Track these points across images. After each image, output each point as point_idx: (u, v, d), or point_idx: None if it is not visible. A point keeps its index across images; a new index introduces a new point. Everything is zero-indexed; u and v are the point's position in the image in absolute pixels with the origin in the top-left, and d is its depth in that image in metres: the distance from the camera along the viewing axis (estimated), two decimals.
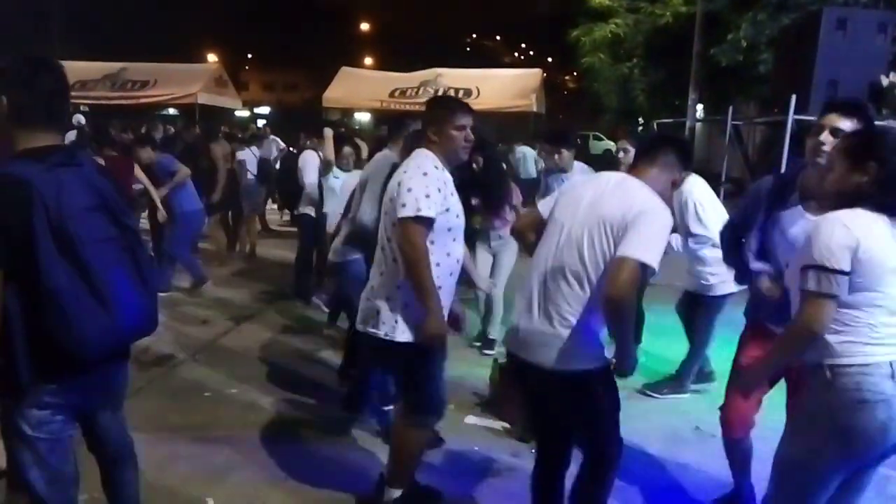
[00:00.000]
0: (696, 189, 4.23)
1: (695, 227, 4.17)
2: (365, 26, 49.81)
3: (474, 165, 4.82)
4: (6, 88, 1.98)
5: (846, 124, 2.49)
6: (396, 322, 2.78)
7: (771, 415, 2.92)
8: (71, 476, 2.19)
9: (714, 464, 3.63)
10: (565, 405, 2.54)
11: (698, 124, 14.37)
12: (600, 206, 2.39)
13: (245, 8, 43.76)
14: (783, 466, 2.25)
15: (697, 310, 4.44)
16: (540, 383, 2.52)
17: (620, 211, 2.33)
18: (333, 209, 5.23)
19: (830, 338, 2.07)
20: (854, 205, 2.09)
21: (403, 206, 2.66)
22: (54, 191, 1.91)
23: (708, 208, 4.18)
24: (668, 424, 4.17)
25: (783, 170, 7.37)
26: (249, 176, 8.87)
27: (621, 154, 5.45)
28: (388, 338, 2.79)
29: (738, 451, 3.03)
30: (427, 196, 2.66)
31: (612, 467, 2.57)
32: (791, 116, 7.41)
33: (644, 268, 2.25)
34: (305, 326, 5.96)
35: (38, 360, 1.93)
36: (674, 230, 4.20)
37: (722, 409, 3.03)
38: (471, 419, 4.12)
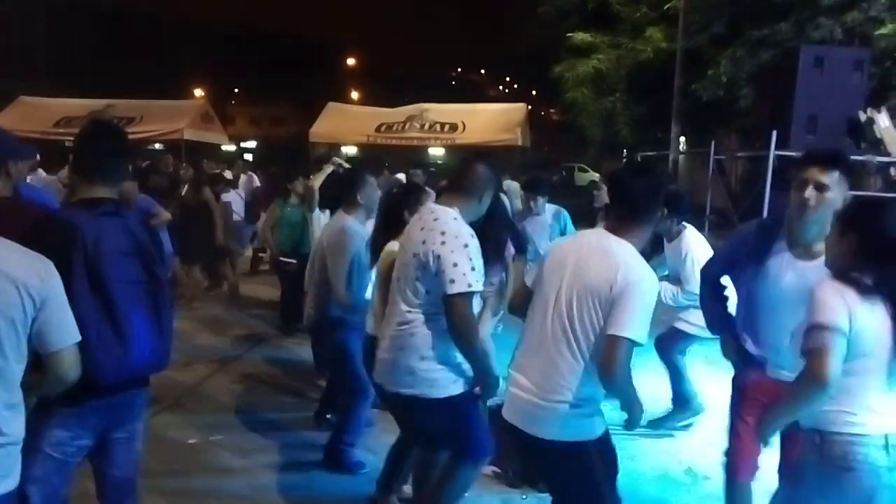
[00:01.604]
0: (694, 245, 4.34)
1: (691, 285, 4.20)
2: (351, 61, 50.34)
3: None
4: (75, 145, 2.41)
5: (827, 177, 2.53)
6: (434, 380, 2.74)
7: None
8: (63, 499, 2.35)
9: None
10: (560, 474, 2.51)
11: (681, 157, 14.54)
12: (584, 274, 2.35)
13: (232, 43, 44.14)
14: None
15: (675, 338, 4.55)
16: (536, 453, 2.50)
17: (606, 281, 2.29)
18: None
19: (824, 405, 2.12)
20: (845, 272, 2.17)
21: (452, 282, 2.62)
22: (94, 235, 2.21)
23: (705, 256, 4.20)
24: (660, 466, 4.12)
25: (766, 202, 7.52)
26: (236, 217, 8.84)
27: (596, 192, 5.77)
28: (426, 397, 2.75)
29: (738, 496, 2.98)
30: (473, 269, 2.66)
31: None
32: (773, 152, 7.51)
33: (633, 343, 2.25)
34: (290, 369, 5.88)
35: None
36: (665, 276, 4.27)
37: (726, 453, 2.99)
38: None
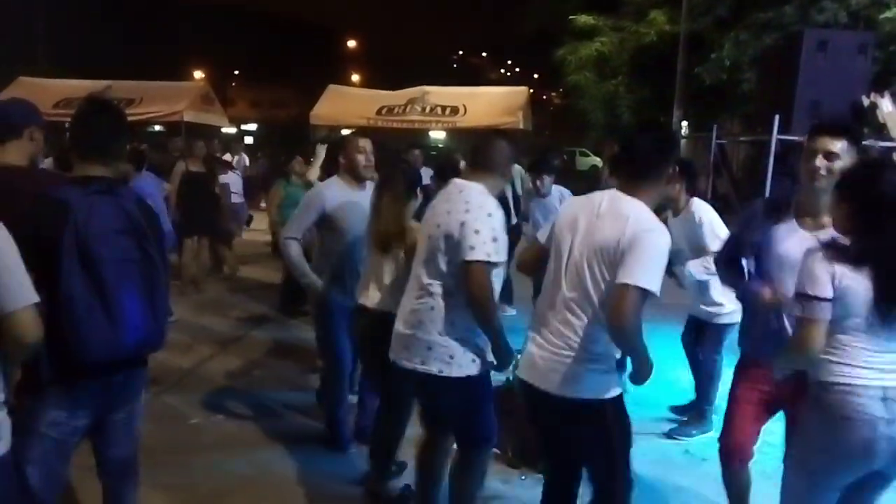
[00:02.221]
0: (707, 209, 4.25)
1: (714, 245, 4.14)
2: (352, 44, 50.01)
3: None
4: (71, 123, 2.39)
5: (836, 146, 2.57)
6: (452, 357, 2.72)
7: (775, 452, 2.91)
8: (61, 480, 2.39)
9: (707, 488, 3.63)
10: (574, 435, 2.52)
11: (683, 141, 14.47)
12: (595, 232, 2.37)
13: (232, 25, 43.85)
14: (784, 485, 2.40)
15: (703, 338, 4.37)
16: (551, 412, 2.51)
17: (615, 235, 2.30)
18: None
19: (823, 357, 2.21)
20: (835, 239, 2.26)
21: (472, 248, 2.61)
22: (86, 213, 2.20)
23: (720, 224, 4.17)
24: (658, 448, 4.15)
25: (768, 188, 7.50)
26: (235, 199, 8.86)
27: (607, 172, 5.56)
28: (442, 374, 2.73)
29: (735, 482, 2.99)
30: (494, 240, 2.64)
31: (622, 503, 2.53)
32: (775, 136, 7.48)
33: (645, 293, 2.22)
34: (290, 350, 5.91)
35: (56, 361, 2.14)
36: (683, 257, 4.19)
37: (720, 438, 3.00)
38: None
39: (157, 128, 16.24)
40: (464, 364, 2.73)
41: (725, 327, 4.26)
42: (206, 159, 8.27)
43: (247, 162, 11.29)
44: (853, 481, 2.26)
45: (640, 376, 2.42)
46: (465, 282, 2.64)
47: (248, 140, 28.88)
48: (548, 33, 17.71)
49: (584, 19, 14.99)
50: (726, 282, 3.13)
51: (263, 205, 11.10)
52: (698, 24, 12.65)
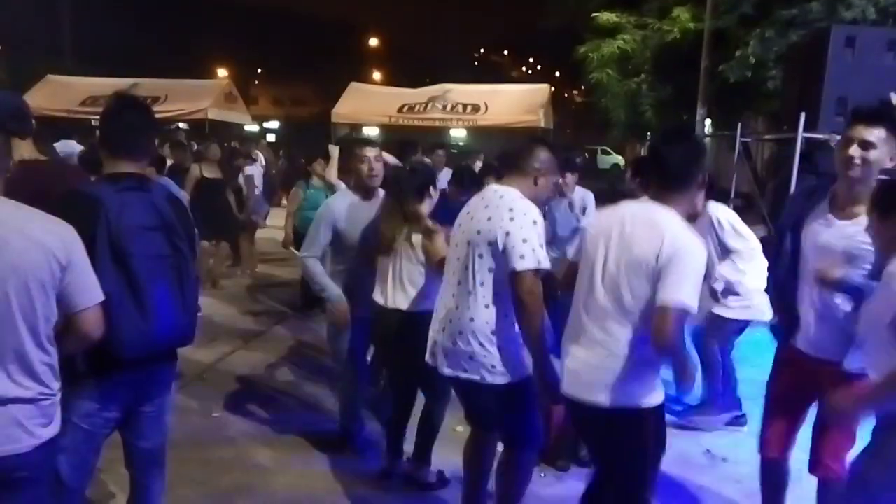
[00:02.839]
0: (722, 209, 4.23)
1: (735, 242, 4.11)
2: (374, 42, 50.17)
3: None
4: (100, 120, 2.43)
5: (873, 134, 2.50)
6: (494, 367, 2.71)
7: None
8: (91, 469, 2.46)
9: (728, 489, 3.61)
10: (613, 443, 2.51)
11: (707, 139, 14.32)
12: (631, 243, 2.36)
13: (255, 23, 44.19)
14: (861, 496, 2.26)
15: (711, 328, 4.34)
16: (593, 420, 2.50)
17: (652, 249, 2.30)
18: None
19: None
20: None
21: (522, 257, 2.59)
22: (118, 210, 2.23)
23: (740, 222, 4.16)
24: (678, 448, 4.10)
25: (793, 186, 7.40)
26: (257, 191, 8.92)
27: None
28: (486, 382, 2.73)
29: (774, 474, 2.93)
30: (541, 246, 2.64)
31: None
32: (801, 134, 7.37)
33: (685, 310, 2.25)
34: (312, 345, 5.95)
35: (90, 355, 2.19)
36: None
37: (762, 432, 2.95)
38: (461, 428, 4.07)
39: (182, 125, 16.40)
40: (507, 371, 2.72)
41: (727, 321, 4.25)
42: (220, 163, 8.33)
43: (263, 162, 11.10)
44: None
45: (685, 387, 2.43)
46: (515, 291, 2.63)
47: (271, 137, 29.09)
48: (570, 31, 17.61)
49: (606, 17, 14.88)
50: (776, 303, 2.98)
51: (285, 202, 11.19)
52: (723, 22, 12.49)
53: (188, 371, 5.00)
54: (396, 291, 3.41)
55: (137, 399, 2.43)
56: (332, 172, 5.49)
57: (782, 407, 2.85)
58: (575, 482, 3.68)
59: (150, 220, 2.32)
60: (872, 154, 2.49)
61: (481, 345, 2.71)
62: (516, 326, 2.71)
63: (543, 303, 2.67)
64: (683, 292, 2.24)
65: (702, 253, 2.33)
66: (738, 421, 4.39)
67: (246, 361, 5.52)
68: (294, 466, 3.79)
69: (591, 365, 2.41)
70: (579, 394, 2.46)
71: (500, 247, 2.64)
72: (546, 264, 2.64)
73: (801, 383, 2.77)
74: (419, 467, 3.57)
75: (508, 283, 2.65)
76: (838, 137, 7.75)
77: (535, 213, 2.69)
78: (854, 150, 2.51)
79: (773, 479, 2.95)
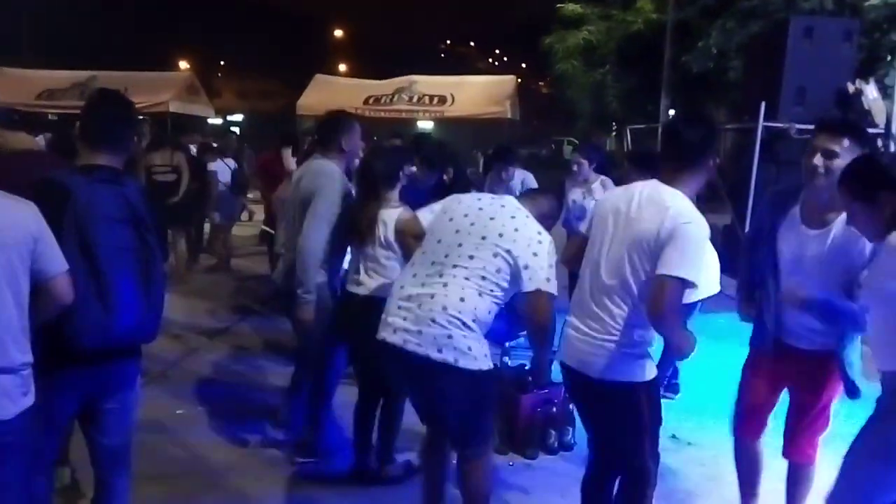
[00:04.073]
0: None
1: None
2: (339, 33, 49.71)
3: (445, 178, 4.81)
4: (83, 112, 2.48)
5: (837, 144, 2.57)
6: (469, 349, 2.64)
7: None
8: (49, 456, 2.46)
9: (694, 472, 3.67)
10: (609, 414, 2.57)
11: None
12: (636, 222, 2.41)
13: (217, 14, 43.45)
14: (855, 469, 2.30)
15: None
16: (588, 393, 2.58)
17: (654, 225, 2.34)
18: None
19: None
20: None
21: (531, 279, 2.64)
22: (87, 200, 2.25)
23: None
24: None
25: (754, 175, 7.53)
26: (221, 187, 8.73)
27: (575, 167, 5.62)
28: (458, 365, 2.63)
29: (749, 455, 3.01)
30: (551, 266, 2.68)
31: (651, 483, 2.61)
32: (761, 123, 7.49)
33: (684, 283, 2.28)
34: (277, 340, 5.88)
35: (47, 344, 2.18)
36: None
37: (737, 415, 3.01)
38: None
39: (141, 118, 16.08)
40: (479, 358, 2.67)
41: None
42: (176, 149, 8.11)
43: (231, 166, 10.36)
44: None
45: (682, 351, 2.49)
46: (530, 309, 2.67)
47: (235, 130, 28.65)
48: (536, 22, 17.69)
49: (571, 7, 15.00)
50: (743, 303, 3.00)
51: (251, 196, 10.97)
52: (685, 13, 12.68)
53: (152, 368, 4.91)
54: (370, 278, 3.38)
55: (98, 394, 2.41)
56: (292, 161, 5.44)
57: (756, 392, 2.92)
58: (543, 470, 3.72)
59: (119, 213, 2.32)
60: (836, 163, 2.54)
61: (465, 326, 2.62)
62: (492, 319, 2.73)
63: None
64: (683, 265, 2.27)
65: (704, 230, 2.36)
66: (671, 388, 4.63)
67: (210, 358, 5.45)
68: (260, 464, 3.74)
69: (589, 340, 2.46)
70: (576, 365, 2.52)
71: (521, 260, 2.64)
72: (554, 289, 2.68)
73: (774, 370, 2.84)
74: (385, 465, 3.54)
75: (523, 301, 2.68)
76: (798, 127, 7.93)
77: (547, 237, 2.75)
78: (818, 160, 2.58)
79: (749, 460, 3.03)
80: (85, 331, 2.22)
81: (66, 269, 2.14)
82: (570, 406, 4.03)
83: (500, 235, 2.68)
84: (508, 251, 2.65)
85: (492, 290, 2.67)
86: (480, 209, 2.81)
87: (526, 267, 2.63)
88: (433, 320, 2.62)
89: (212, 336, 6.00)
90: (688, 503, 3.42)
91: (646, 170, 4.88)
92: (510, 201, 2.88)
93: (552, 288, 2.66)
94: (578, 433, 3.96)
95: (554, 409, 3.92)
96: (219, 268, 8.70)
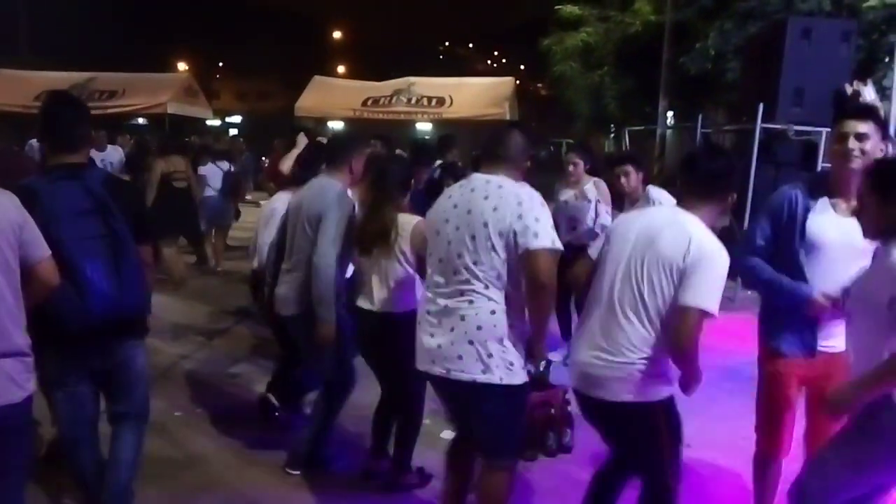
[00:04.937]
0: (662, 192, 4.34)
1: None
2: (337, 35, 49.72)
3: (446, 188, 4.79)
4: (38, 119, 2.65)
5: (864, 127, 2.64)
6: (512, 365, 2.60)
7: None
8: (84, 422, 2.79)
9: (694, 475, 3.65)
10: (626, 437, 2.56)
11: (669, 131, 14.53)
12: (656, 245, 2.41)
13: (216, 16, 43.44)
14: (830, 459, 2.37)
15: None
16: (605, 415, 2.55)
17: (678, 252, 2.35)
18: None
19: None
20: None
21: (536, 235, 2.51)
22: (50, 198, 2.49)
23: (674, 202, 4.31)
24: None
25: (752, 176, 7.53)
26: (210, 191, 8.66)
27: (571, 168, 5.56)
28: (503, 383, 2.59)
29: (769, 475, 2.96)
30: (552, 228, 2.58)
31: (674, 500, 2.58)
32: (759, 125, 7.51)
33: (704, 314, 2.31)
34: (274, 343, 5.86)
35: (38, 330, 2.36)
36: None
37: (758, 442, 2.98)
38: (447, 434, 4.07)
39: (141, 120, 16.05)
40: (519, 372, 2.63)
41: None
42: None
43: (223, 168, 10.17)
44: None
45: (688, 388, 2.49)
46: (530, 269, 2.53)
47: (234, 132, 28.66)
48: (534, 24, 17.69)
49: (569, 9, 14.98)
50: (753, 275, 2.88)
51: (249, 197, 10.96)
52: (683, 14, 12.66)
53: (150, 369, 4.90)
54: (384, 290, 3.29)
55: (100, 367, 2.72)
56: (287, 163, 5.23)
57: (782, 410, 2.86)
58: (541, 472, 3.72)
59: (82, 206, 2.54)
60: (868, 145, 2.61)
61: (500, 341, 2.58)
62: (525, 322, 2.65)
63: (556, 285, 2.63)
64: (707, 296, 2.30)
65: (726, 261, 2.38)
66: None
67: (208, 359, 5.44)
68: (259, 464, 3.74)
69: (605, 363, 2.44)
70: (587, 389, 2.51)
71: (514, 232, 2.53)
72: (558, 245, 2.57)
73: (790, 385, 2.82)
74: (400, 472, 3.48)
75: (522, 265, 2.55)
76: (796, 128, 7.92)
77: (539, 197, 2.62)
78: (852, 143, 2.62)
79: (771, 476, 2.98)
80: (65, 317, 2.47)
81: (49, 255, 2.31)
82: (569, 408, 4.04)
83: (485, 225, 2.57)
84: (500, 233, 2.55)
85: (514, 288, 2.60)
86: (455, 206, 2.69)
87: (515, 233, 2.53)
88: (471, 342, 2.58)
89: (210, 338, 5.99)
90: None
91: (639, 166, 4.97)
92: (477, 180, 2.71)
93: (545, 243, 2.52)
94: (577, 435, 3.96)
95: (552, 411, 3.91)
96: (207, 271, 8.69)
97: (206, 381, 4.98)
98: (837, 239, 2.65)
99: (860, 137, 2.62)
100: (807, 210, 2.71)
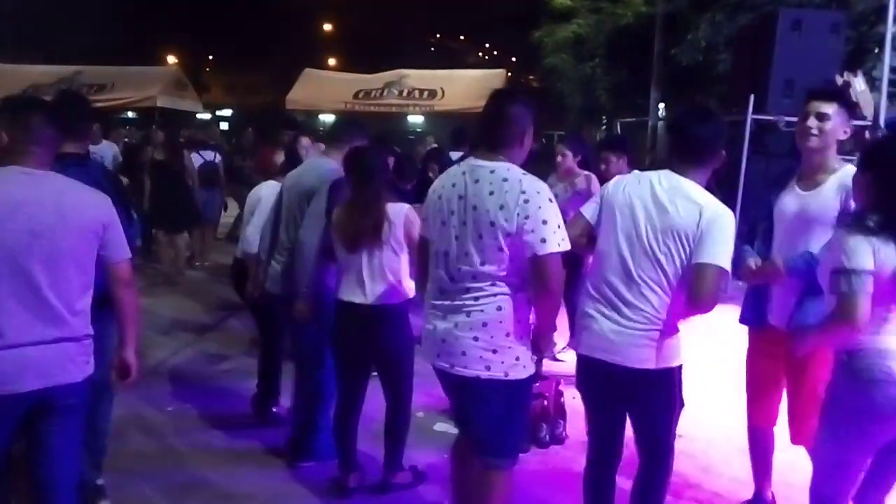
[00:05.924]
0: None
1: None
2: (328, 27, 49.43)
3: (430, 174, 4.78)
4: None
5: (826, 108, 2.80)
6: (518, 359, 2.57)
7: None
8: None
9: (685, 463, 3.68)
10: (641, 401, 2.60)
11: (660, 123, 14.54)
12: (669, 218, 2.45)
13: (205, 8, 43.09)
14: (815, 455, 2.54)
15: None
16: (620, 383, 2.56)
17: (693, 221, 2.42)
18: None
19: None
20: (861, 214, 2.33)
21: (544, 241, 2.43)
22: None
23: None
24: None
25: (743, 167, 7.55)
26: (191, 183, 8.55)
27: (559, 158, 5.54)
28: (508, 378, 2.56)
29: (762, 441, 3.11)
30: (560, 227, 2.49)
31: (670, 469, 2.67)
32: (749, 116, 7.52)
33: (722, 271, 2.39)
34: None
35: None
36: None
37: (749, 404, 3.12)
38: (440, 426, 4.08)
39: (130, 114, 15.93)
40: (527, 365, 2.61)
41: None
42: (166, 145, 8.10)
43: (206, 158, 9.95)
44: (884, 446, 2.35)
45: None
46: (538, 276, 2.48)
47: (224, 125, 28.51)
48: (525, 16, 17.63)
49: (560, 1, 14.94)
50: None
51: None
52: (674, 6, 12.67)
53: (142, 366, 4.88)
54: (376, 283, 3.21)
55: None
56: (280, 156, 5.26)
57: (763, 381, 3.03)
58: (534, 464, 3.72)
59: None
60: (828, 125, 2.77)
61: (507, 336, 2.54)
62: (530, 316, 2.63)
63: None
64: (722, 255, 2.39)
65: (733, 220, 2.47)
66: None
67: (200, 355, 5.42)
68: (251, 460, 3.73)
69: (628, 331, 2.48)
70: (606, 356, 2.52)
71: (521, 234, 2.45)
72: (566, 245, 2.50)
73: (773, 356, 2.92)
74: (392, 473, 3.41)
75: (530, 269, 2.49)
76: (786, 119, 7.95)
77: (547, 189, 2.52)
78: (811, 122, 2.79)
79: (762, 445, 3.13)
80: None
81: (129, 258, 2.51)
82: (562, 400, 4.05)
83: (492, 224, 2.47)
84: (507, 234, 2.46)
85: (521, 282, 2.54)
86: (460, 198, 2.57)
87: (523, 236, 2.45)
88: (476, 338, 2.54)
89: (201, 333, 5.97)
90: (679, 494, 3.43)
91: (622, 152, 5.04)
92: (480, 170, 2.56)
93: (553, 247, 2.45)
94: (570, 426, 3.97)
95: (545, 403, 3.92)
96: (203, 265, 8.65)
97: (198, 376, 4.97)
98: (795, 212, 2.84)
99: (820, 117, 2.78)
100: (778, 194, 2.93)
